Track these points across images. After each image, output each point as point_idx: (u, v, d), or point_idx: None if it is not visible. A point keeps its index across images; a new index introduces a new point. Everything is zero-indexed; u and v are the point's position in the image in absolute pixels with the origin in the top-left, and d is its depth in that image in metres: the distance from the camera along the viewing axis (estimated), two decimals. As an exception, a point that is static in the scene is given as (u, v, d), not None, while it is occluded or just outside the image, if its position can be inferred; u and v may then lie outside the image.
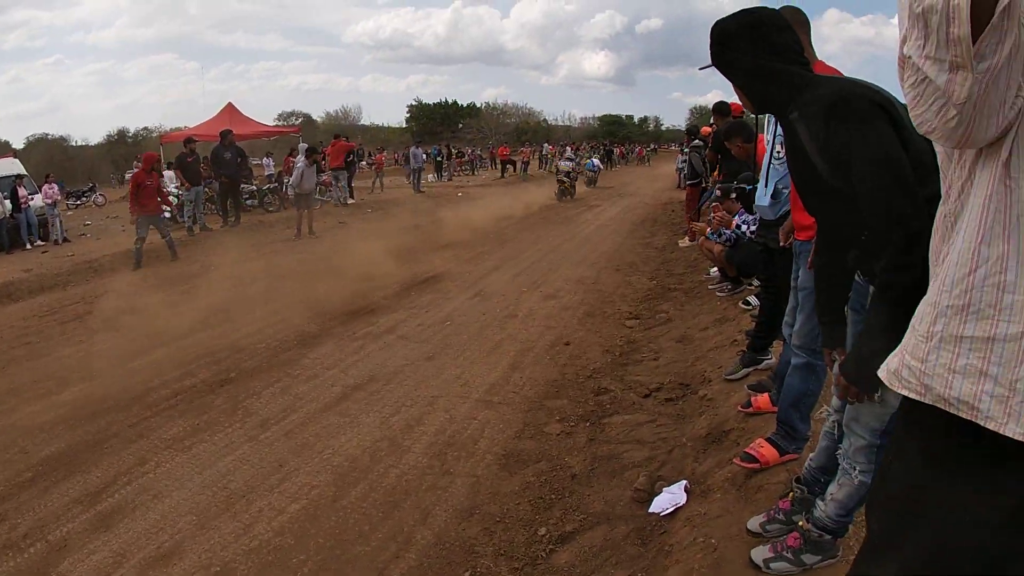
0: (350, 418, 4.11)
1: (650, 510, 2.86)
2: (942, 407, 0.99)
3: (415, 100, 72.11)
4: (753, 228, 5.06)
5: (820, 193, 1.79)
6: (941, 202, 1.08)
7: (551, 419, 4.04)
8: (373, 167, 24.50)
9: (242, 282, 8.26)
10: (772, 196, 3.22)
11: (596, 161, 25.79)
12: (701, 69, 1.97)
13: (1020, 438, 0.92)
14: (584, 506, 3.04)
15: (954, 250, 1.01)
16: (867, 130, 1.52)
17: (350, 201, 17.55)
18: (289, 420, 4.10)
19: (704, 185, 9.07)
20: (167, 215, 13.78)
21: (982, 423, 0.95)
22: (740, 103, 1.94)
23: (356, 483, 3.34)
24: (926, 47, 0.90)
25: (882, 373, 1.13)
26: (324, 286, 7.79)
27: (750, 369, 3.88)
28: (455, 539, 2.86)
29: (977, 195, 0.98)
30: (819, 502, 1.98)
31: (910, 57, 0.93)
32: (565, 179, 18.67)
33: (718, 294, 6.19)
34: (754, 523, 2.27)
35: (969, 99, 0.88)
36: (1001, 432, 0.93)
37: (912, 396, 1.04)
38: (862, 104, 1.55)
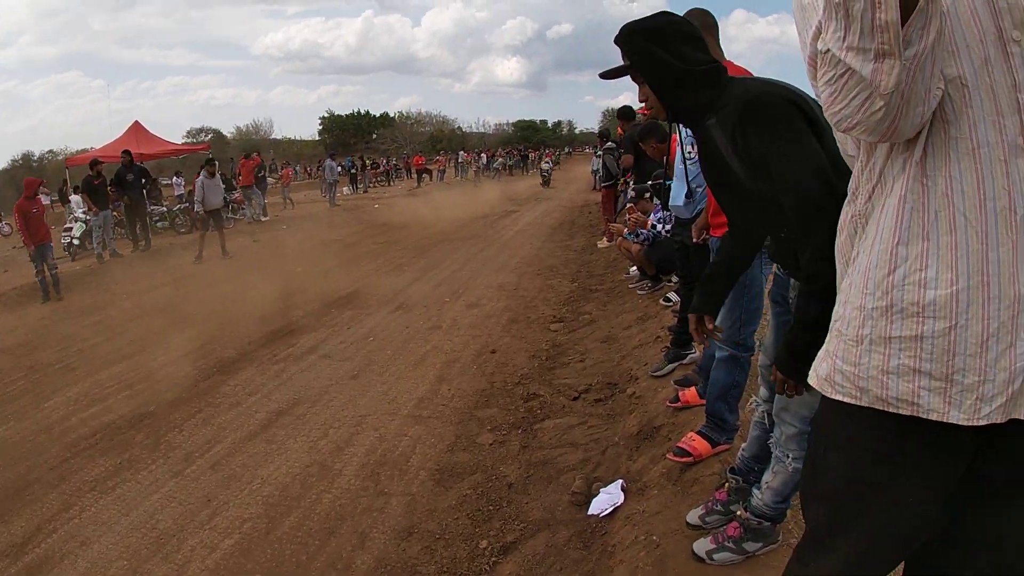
0: (277, 445, 3.93)
1: (589, 512, 2.86)
2: (880, 407, 1.00)
3: (327, 112, 70.71)
4: (668, 227, 5.20)
5: (738, 197, 1.82)
6: (847, 203, 1.09)
7: (483, 429, 4.00)
8: (279, 182, 23.55)
9: (155, 309, 7.83)
10: (687, 196, 3.30)
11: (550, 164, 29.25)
12: (604, 76, 1.89)
13: (964, 422, 0.94)
14: (523, 514, 3.01)
15: (870, 252, 1.01)
16: (782, 129, 1.54)
17: (264, 218, 16.93)
18: (214, 452, 3.88)
19: (619, 187, 9.28)
20: (75, 241, 12.94)
21: (924, 416, 0.97)
22: (649, 110, 1.89)
23: (289, 512, 3.19)
24: (847, 37, 0.87)
25: (813, 380, 1.13)
26: (241, 308, 7.48)
27: (675, 364, 3.97)
28: (396, 561, 2.78)
29: (891, 196, 0.98)
30: (755, 491, 2.02)
31: (827, 51, 0.91)
32: (546, 174, 26.42)
33: (639, 292, 6.32)
34: (693, 516, 2.30)
35: (897, 88, 0.86)
36: (945, 420, 0.95)
37: (848, 400, 1.04)
38: (776, 102, 1.57)
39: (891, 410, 0.99)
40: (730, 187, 1.80)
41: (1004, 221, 0.89)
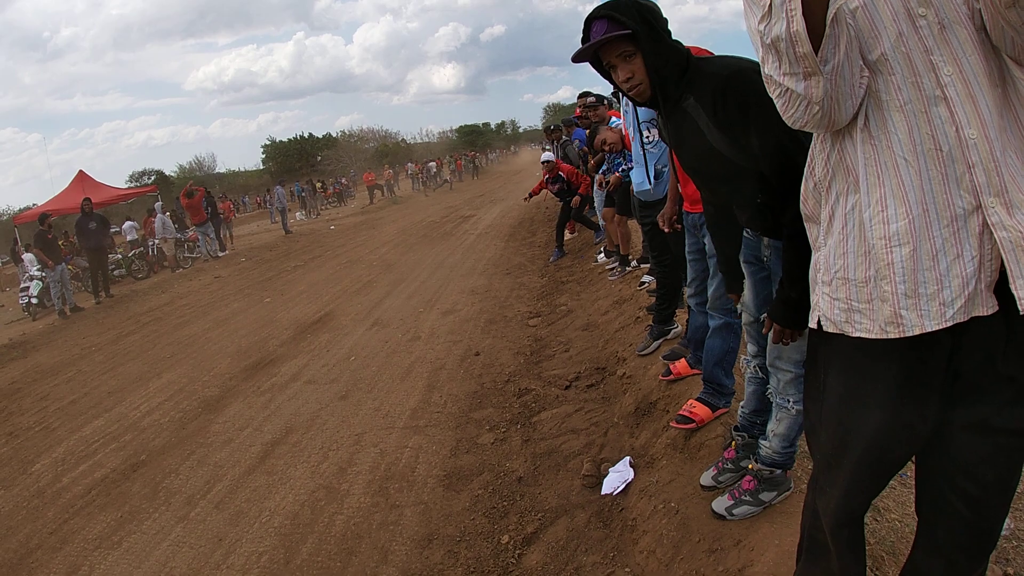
0: (278, 475, 3.90)
1: (603, 492, 2.93)
2: (876, 336, 1.18)
3: (269, 139, 69.54)
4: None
5: (715, 176, 1.91)
6: (805, 177, 1.31)
7: (482, 430, 4.03)
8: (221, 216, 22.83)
9: (127, 358, 7.65)
10: (655, 177, 3.39)
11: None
12: (577, 59, 1.89)
13: (936, 327, 1.13)
14: (538, 505, 3.07)
15: (841, 208, 1.23)
16: (762, 97, 1.63)
17: (221, 253, 16.64)
18: (215, 491, 3.83)
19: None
20: (34, 300, 12.52)
21: (908, 334, 1.15)
22: (629, 91, 1.91)
23: (304, 539, 3.18)
24: (781, 67, 1.13)
25: (812, 321, 1.32)
26: (215, 345, 7.37)
27: (660, 341, 4.07)
28: (421, 569, 2.80)
29: (848, 158, 1.21)
30: (763, 442, 2.11)
31: (770, 76, 1.17)
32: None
33: (610, 277, 6.42)
34: (706, 477, 2.38)
35: (826, 95, 1.12)
36: (923, 331, 1.14)
37: (862, 334, 1.22)
38: (753, 76, 1.66)
39: (881, 336, 1.17)
40: (707, 166, 1.89)
41: (932, 158, 1.10)
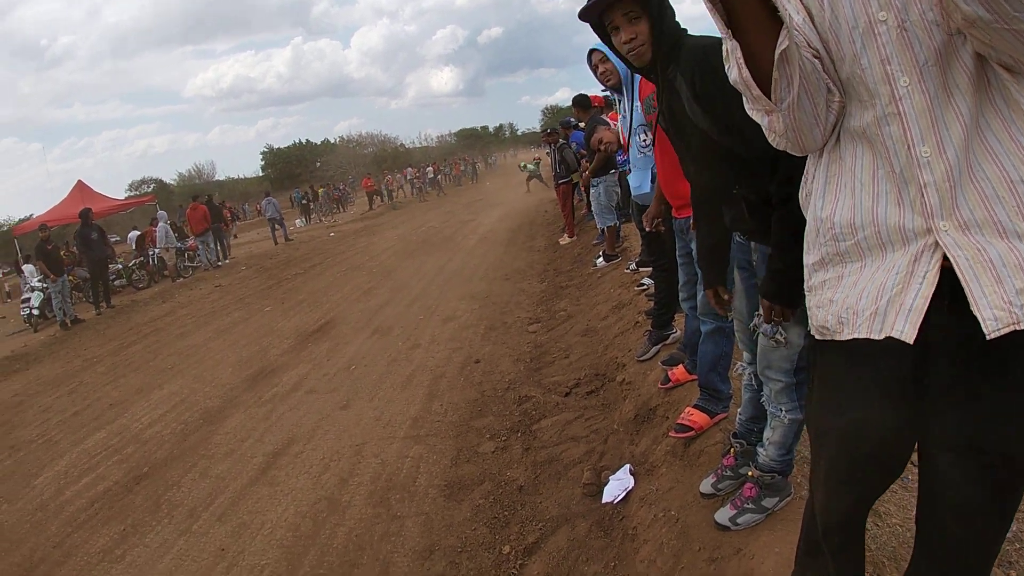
0: (280, 486, 3.90)
1: (603, 500, 2.93)
2: (829, 337, 1.21)
3: (267, 146, 69.65)
4: None
5: (697, 155, 1.93)
6: (802, 185, 1.31)
7: (482, 438, 4.04)
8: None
9: (129, 369, 7.68)
10: (652, 181, 3.40)
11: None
12: (584, 15, 1.96)
13: (847, 337, 1.15)
14: (539, 514, 3.07)
15: (808, 221, 1.26)
16: None
17: (220, 263, 16.66)
18: (218, 504, 3.83)
19: (576, 182, 9.40)
20: (35, 312, 12.55)
21: (851, 336, 1.15)
22: (629, 52, 1.97)
23: (306, 551, 3.18)
24: (747, 103, 1.19)
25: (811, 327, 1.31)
26: (216, 355, 7.39)
27: (659, 346, 4.07)
28: (422, 580, 2.80)
29: (817, 175, 1.23)
30: (759, 450, 2.12)
31: (747, 108, 1.21)
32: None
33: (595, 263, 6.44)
34: (706, 485, 2.38)
35: (787, 128, 1.15)
36: (869, 336, 1.12)
37: (817, 336, 1.25)
38: None
39: (835, 337, 1.19)
40: (689, 144, 1.93)
41: (888, 178, 1.09)
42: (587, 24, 2.01)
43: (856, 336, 1.12)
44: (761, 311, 1.76)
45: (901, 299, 1.07)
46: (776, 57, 1.06)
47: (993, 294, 0.98)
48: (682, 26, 1.98)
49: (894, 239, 1.09)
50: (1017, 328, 0.97)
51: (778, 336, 1.86)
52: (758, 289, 1.75)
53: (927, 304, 1.05)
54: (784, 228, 1.58)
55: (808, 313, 1.27)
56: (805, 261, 1.27)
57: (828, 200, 1.18)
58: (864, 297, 1.12)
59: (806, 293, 1.27)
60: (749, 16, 1.08)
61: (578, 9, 1.96)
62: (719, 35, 1.37)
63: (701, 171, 2.01)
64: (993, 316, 0.98)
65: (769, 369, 1.96)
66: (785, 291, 1.62)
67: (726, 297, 2.16)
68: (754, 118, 1.21)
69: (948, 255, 1.02)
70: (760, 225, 1.77)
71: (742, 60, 1.10)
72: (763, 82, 1.11)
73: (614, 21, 1.93)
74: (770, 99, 1.12)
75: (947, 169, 1.02)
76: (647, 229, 3.39)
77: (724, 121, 1.74)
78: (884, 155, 1.08)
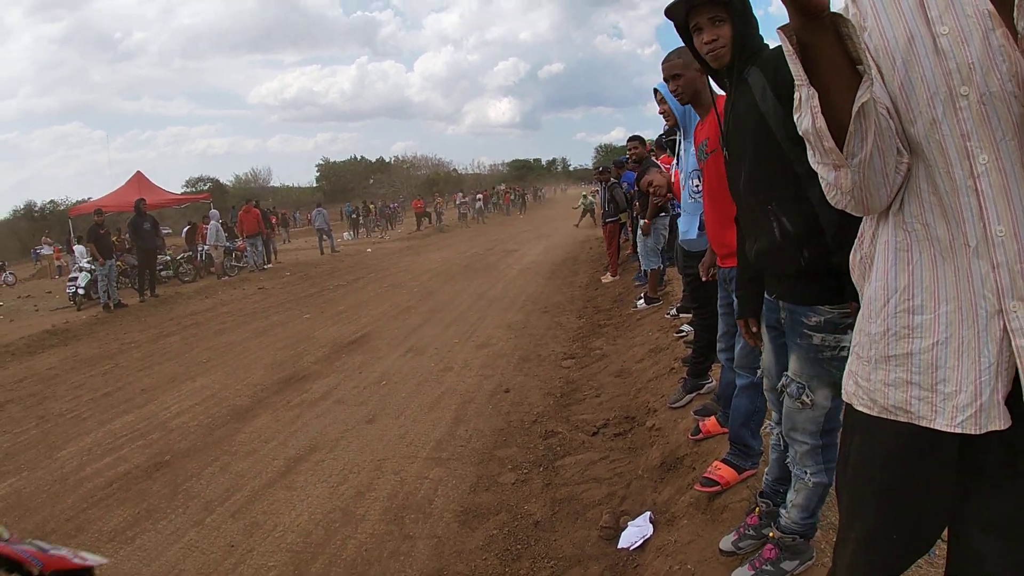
0: (297, 491, 3.92)
1: (619, 546, 2.86)
2: (884, 416, 1.16)
3: (324, 158, 71.71)
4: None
5: (759, 158, 1.90)
6: (854, 248, 1.28)
7: (504, 469, 4.00)
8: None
9: (164, 358, 7.89)
10: (699, 227, 3.37)
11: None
12: (669, 12, 2.03)
13: (944, 427, 1.08)
14: (553, 552, 3.01)
15: (872, 286, 1.20)
16: None
17: (267, 266, 17.06)
18: (233, 500, 3.87)
19: (623, 221, 9.39)
20: (80, 291, 13.02)
21: (916, 422, 1.12)
22: (709, 53, 2.01)
23: (314, 559, 3.18)
24: (815, 156, 1.14)
25: (844, 396, 1.28)
26: (251, 355, 7.53)
27: (693, 395, 3.99)
28: (427, 605, 2.76)
29: (882, 240, 1.19)
30: (782, 511, 2.05)
31: (814, 164, 1.17)
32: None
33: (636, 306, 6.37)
34: (726, 543, 2.31)
35: (855, 186, 1.11)
36: (931, 427, 1.10)
37: (863, 410, 1.21)
38: None
39: (891, 417, 1.15)
40: (753, 145, 1.90)
41: (962, 253, 1.05)
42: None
43: (957, 431, 1.07)
44: (789, 372, 1.75)
45: (996, 393, 1.04)
46: (855, 110, 1.03)
47: None
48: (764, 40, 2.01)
49: (968, 317, 1.05)
50: None
51: (804, 398, 1.82)
52: (737, 315, 1.76)
53: (997, 397, 1.04)
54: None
55: (865, 384, 1.20)
56: (864, 328, 1.22)
57: (902, 269, 1.13)
58: (954, 385, 1.07)
59: (861, 362, 1.22)
60: (829, 64, 1.05)
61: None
62: None
63: (750, 182, 1.96)
64: None
65: (794, 431, 1.91)
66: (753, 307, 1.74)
67: (755, 330, 2.13)
68: (819, 172, 1.17)
69: (1013, 343, 1.01)
70: (795, 270, 1.79)
71: (818, 109, 1.06)
72: (836, 135, 1.08)
73: (699, 22, 1.99)
74: (841, 153, 1.08)
75: (1019, 250, 1.01)
76: (703, 278, 3.35)
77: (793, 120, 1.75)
78: (960, 227, 1.05)
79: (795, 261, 1.79)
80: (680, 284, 6.28)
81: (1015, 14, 0.87)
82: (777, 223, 1.82)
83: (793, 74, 1.08)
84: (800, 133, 1.13)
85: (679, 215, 4.32)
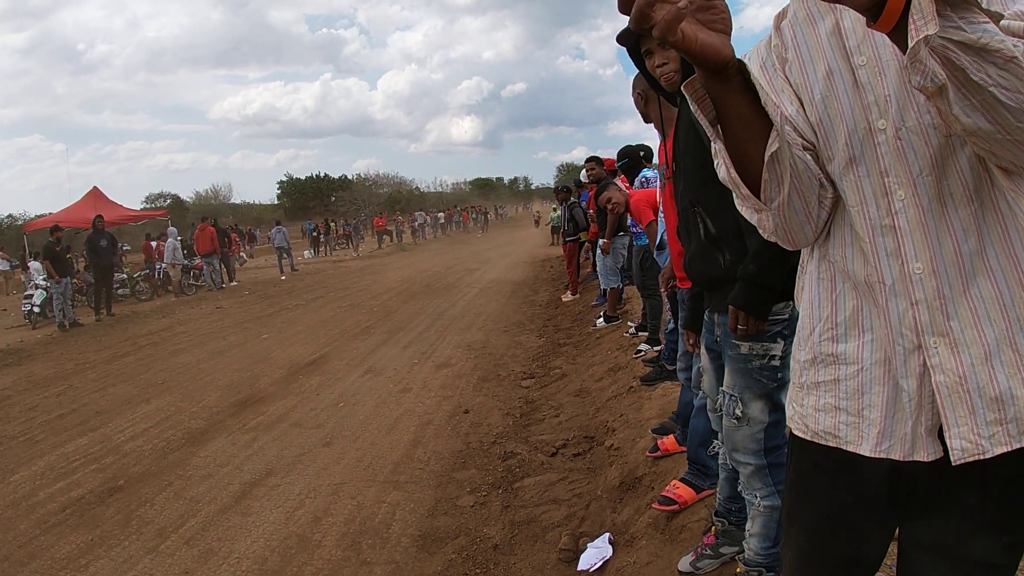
0: (253, 517, 3.81)
1: (579, 568, 2.85)
2: (815, 440, 1.17)
3: (286, 175, 70.74)
4: None
5: (692, 167, 1.95)
6: (798, 274, 1.28)
7: (462, 491, 3.95)
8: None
9: (119, 379, 7.63)
10: (658, 248, 3.42)
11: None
12: (622, 39, 2.01)
13: (869, 453, 1.09)
14: None
15: (800, 315, 1.22)
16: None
17: (225, 284, 16.68)
18: (188, 526, 3.74)
19: (583, 241, 9.49)
20: (36, 309, 12.55)
21: (843, 447, 1.12)
22: (661, 76, 2.03)
23: (268, 589, 3.09)
24: (737, 200, 1.14)
25: (787, 420, 1.29)
26: (207, 377, 7.33)
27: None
28: (383, 634, 2.70)
29: (809, 269, 1.20)
30: (745, 544, 2.04)
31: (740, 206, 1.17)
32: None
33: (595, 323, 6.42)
34: (684, 563, 2.31)
35: (777, 227, 1.11)
36: (857, 452, 1.11)
37: (798, 434, 1.21)
38: None
39: (821, 442, 1.16)
40: (690, 157, 1.96)
41: (880, 291, 1.05)
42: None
43: (882, 456, 1.08)
44: (723, 386, 1.79)
45: (921, 425, 1.04)
46: (766, 158, 1.01)
47: (964, 425, 0.99)
48: None
49: (888, 350, 1.06)
50: (981, 458, 0.98)
51: (737, 411, 1.84)
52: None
53: (921, 430, 1.05)
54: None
55: (799, 410, 1.21)
56: (795, 355, 1.23)
57: (825, 299, 1.14)
58: (879, 411, 1.08)
59: (795, 388, 1.23)
60: (738, 114, 1.01)
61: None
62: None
63: (685, 190, 2.02)
64: (960, 446, 0.99)
65: (736, 452, 1.92)
66: (760, 302, 1.74)
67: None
68: (743, 215, 1.16)
69: (932, 379, 1.01)
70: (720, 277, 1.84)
71: (729, 161, 1.05)
72: (753, 181, 1.06)
73: (649, 47, 2.04)
74: (759, 199, 1.07)
75: (937, 287, 1.00)
76: (662, 291, 3.44)
77: None
78: (876, 266, 1.04)
79: (717, 264, 1.86)
80: (639, 303, 6.36)
81: (906, 62, 0.82)
82: (702, 224, 1.88)
83: (703, 126, 1.07)
84: (720, 179, 1.12)
85: (638, 235, 4.41)
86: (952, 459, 1.00)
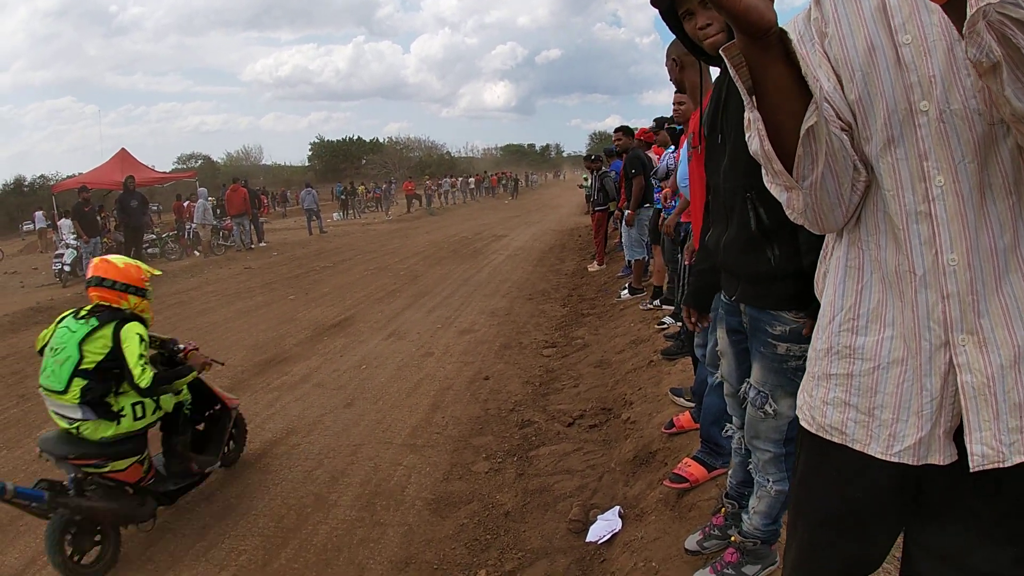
0: (272, 475, 3.91)
1: (588, 539, 2.87)
2: (821, 435, 1.14)
3: (317, 137, 71.03)
4: None
5: (736, 141, 1.75)
6: (820, 260, 1.23)
7: (478, 457, 3.99)
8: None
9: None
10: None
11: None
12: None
13: (879, 455, 1.06)
14: (521, 543, 3.01)
15: (823, 302, 1.17)
16: None
17: (252, 246, 16.89)
18: (207, 482, 3.83)
19: (612, 211, 9.38)
20: (66, 268, 12.87)
21: (850, 445, 1.09)
22: (704, 38, 1.82)
23: (285, 544, 3.17)
24: (767, 176, 1.10)
25: (796, 408, 1.25)
26: (233, 336, 7.47)
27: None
28: (392, 593, 2.76)
29: (836, 255, 1.14)
30: (745, 516, 2.04)
31: (768, 184, 1.13)
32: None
33: (641, 307, 6.41)
34: (691, 542, 2.31)
35: (807, 207, 1.06)
36: (865, 452, 1.07)
37: (804, 426, 1.18)
38: None
39: (827, 437, 1.12)
40: (732, 130, 1.78)
41: (909, 282, 1.00)
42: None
43: (893, 460, 1.04)
44: (751, 380, 1.74)
45: (939, 427, 1.00)
46: (802, 133, 0.97)
47: (988, 430, 0.95)
48: None
49: (912, 348, 1.01)
50: (1000, 466, 0.95)
51: (767, 408, 1.78)
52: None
53: (939, 431, 1.01)
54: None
55: (808, 400, 1.18)
56: (812, 343, 1.18)
57: (851, 288, 1.09)
58: (892, 413, 1.03)
59: (808, 377, 1.19)
60: (776, 85, 0.98)
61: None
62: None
63: (732, 167, 1.80)
64: (981, 452, 0.96)
65: (756, 439, 1.87)
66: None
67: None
68: (772, 192, 1.12)
69: (958, 379, 0.97)
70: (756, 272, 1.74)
71: (764, 132, 1.01)
72: (786, 157, 1.02)
73: (689, 7, 1.81)
74: (791, 176, 1.03)
75: (972, 281, 0.95)
76: (686, 263, 3.39)
77: None
78: (907, 255, 1.00)
79: (764, 258, 1.70)
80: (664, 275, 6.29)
81: (964, 31, 0.78)
82: (754, 212, 1.70)
83: (741, 95, 1.03)
84: (752, 152, 1.07)
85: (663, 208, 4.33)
86: (971, 465, 0.96)
